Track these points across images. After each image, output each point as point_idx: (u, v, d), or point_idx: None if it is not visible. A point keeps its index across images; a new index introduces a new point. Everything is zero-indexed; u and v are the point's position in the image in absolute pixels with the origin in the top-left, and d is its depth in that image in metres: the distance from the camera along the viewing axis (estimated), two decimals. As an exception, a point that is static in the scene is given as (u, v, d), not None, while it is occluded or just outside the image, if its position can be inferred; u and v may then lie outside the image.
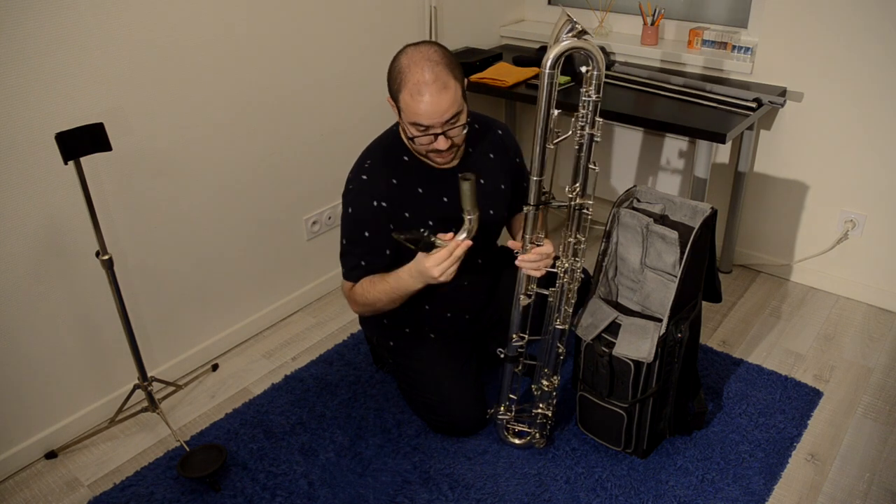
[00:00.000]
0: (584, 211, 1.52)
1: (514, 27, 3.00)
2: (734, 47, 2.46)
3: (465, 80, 1.59)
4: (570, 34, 1.34)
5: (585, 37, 1.34)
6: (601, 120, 1.46)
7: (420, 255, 1.53)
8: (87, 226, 1.76)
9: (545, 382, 1.74)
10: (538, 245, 1.55)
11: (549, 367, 1.72)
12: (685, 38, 2.66)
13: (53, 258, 1.80)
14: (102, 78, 1.76)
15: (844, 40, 2.23)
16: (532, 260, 1.54)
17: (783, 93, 2.37)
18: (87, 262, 1.87)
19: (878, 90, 2.22)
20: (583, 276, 1.64)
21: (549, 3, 3.01)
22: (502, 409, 1.81)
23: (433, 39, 1.59)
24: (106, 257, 1.74)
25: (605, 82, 2.52)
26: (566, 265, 1.56)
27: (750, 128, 2.42)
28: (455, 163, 1.67)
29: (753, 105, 2.21)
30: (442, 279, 1.51)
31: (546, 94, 1.40)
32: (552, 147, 1.45)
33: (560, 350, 1.69)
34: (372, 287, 1.68)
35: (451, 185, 1.62)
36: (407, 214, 1.70)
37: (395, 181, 1.67)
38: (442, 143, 1.56)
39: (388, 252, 1.70)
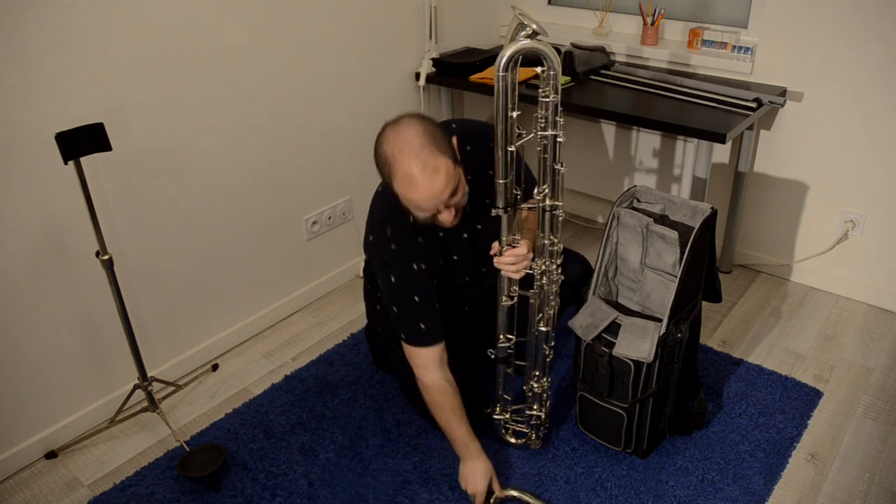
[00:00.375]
0: (556, 212, 1.51)
1: (514, 27, 2.99)
2: (734, 47, 2.46)
3: (453, 139, 1.53)
4: (523, 35, 1.33)
5: (539, 37, 1.33)
6: (562, 120, 1.44)
7: (476, 469, 1.68)
8: (87, 226, 1.76)
9: (535, 384, 1.74)
10: (514, 247, 1.54)
11: (537, 368, 1.72)
12: (685, 38, 2.66)
13: (53, 258, 1.80)
14: (102, 78, 1.76)
15: (844, 40, 2.23)
16: (508, 262, 1.53)
17: (783, 93, 2.37)
18: (87, 262, 1.87)
19: (878, 90, 2.22)
20: (581, 272, 1.65)
21: (549, 3, 3.01)
22: (498, 409, 1.81)
23: (413, 113, 1.51)
24: (106, 257, 1.74)
25: (605, 82, 2.52)
26: (542, 267, 1.56)
27: (750, 128, 2.42)
28: (459, 219, 1.60)
29: (753, 105, 2.21)
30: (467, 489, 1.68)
31: (503, 97, 1.38)
32: (513, 150, 1.43)
33: (547, 352, 1.69)
34: (440, 410, 1.71)
35: (464, 221, 1.65)
36: (441, 261, 1.72)
37: (420, 240, 1.66)
38: (446, 217, 1.52)
39: (437, 306, 1.70)
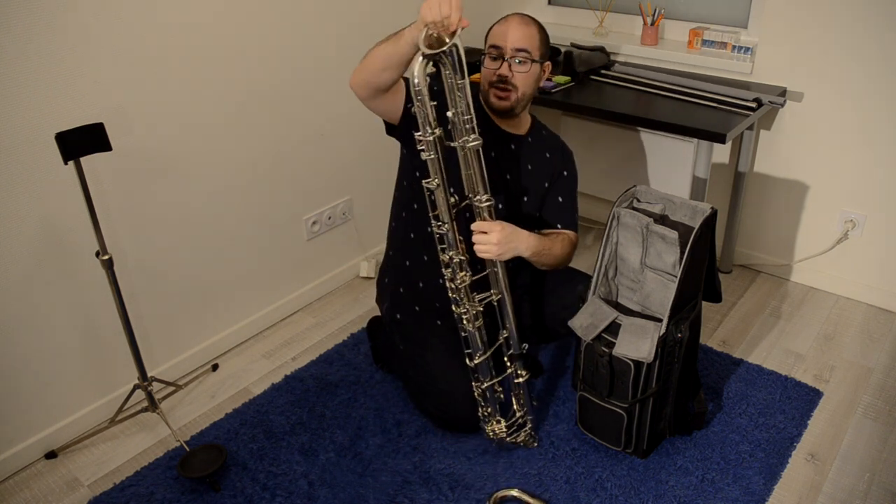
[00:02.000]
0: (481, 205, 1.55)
1: (514, 27, 3.00)
2: (734, 47, 2.46)
3: (546, 54, 1.76)
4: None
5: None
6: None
7: None
8: (87, 226, 1.76)
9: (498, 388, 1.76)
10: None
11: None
12: (685, 38, 2.66)
13: (53, 258, 1.80)
14: (102, 78, 1.76)
15: (845, 40, 2.23)
16: (478, 234, 1.53)
17: (783, 93, 2.37)
18: (87, 262, 1.87)
19: (878, 90, 2.22)
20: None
21: (550, 3, 3.01)
22: (493, 424, 1.81)
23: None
24: (106, 257, 1.74)
25: (604, 82, 2.53)
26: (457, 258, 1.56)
27: (750, 128, 2.42)
28: (506, 104, 1.74)
29: (753, 105, 2.21)
30: (430, 16, 1.43)
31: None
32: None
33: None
34: (373, 51, 1.56)
35: (503, 148, 1.81)
36: (411, 107, 1.68)
37: (435, 87, 1.57)
38: (504, 69, 1.70)
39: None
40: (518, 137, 1.84)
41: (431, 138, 1.42)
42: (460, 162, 1.49)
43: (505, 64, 1.71)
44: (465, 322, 1.62)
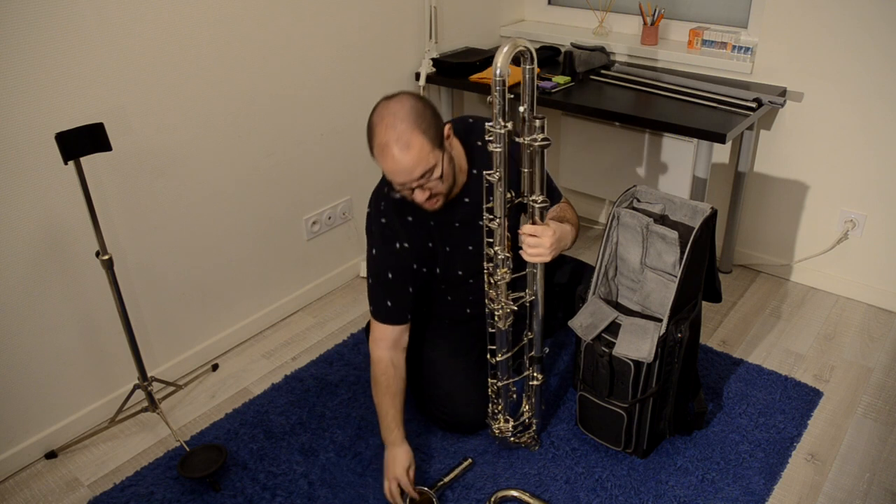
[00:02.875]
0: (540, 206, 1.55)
1: (514, 27, 3.00)
2: (734, 47, 2.46)
3: (445, 127, 1.56)
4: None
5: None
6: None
7: (395, 457, 1.68)
8: (87, 226, 1.76)
9: (512, 387, 1.77)
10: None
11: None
12: (685, 38, 2.66)
13: (53, 258, 1.80)
14: (102, 78, 1.76)
15: (844, 40, 2.23)
16: (530, 241, 1.53)
17: (783, 93, 2.37)
18: (87, 262, 1.87)
19: (878, 90, 2.22)
20: (570, 273, 1.69)
21: (549, 3, 3.01)
22: (501, 421, 1.81)
23: (405, 93, 1.55)
24: (106, 257, 1.74)
25: (605, 82, 2.53)
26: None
27: (750, 128, 2.42)
28: (439, 205, 1.62)
29: (753, 105, 2.21)
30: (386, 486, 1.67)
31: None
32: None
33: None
34: (377, 386, 1.75)
35: (458, 211, 1.70)
36: (430, 244, 1.75)
37: (410, 219, 1.71)
38: (419, 196, 1.56)
39: (410, 290, 1.75)
40: (465, 189, 1.71)
41: (502, 131, 1.42)
42: (523, 160, 1.49)
43: (417, 191, 1.56)
44: (496, 319, 1.62)
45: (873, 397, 2.05)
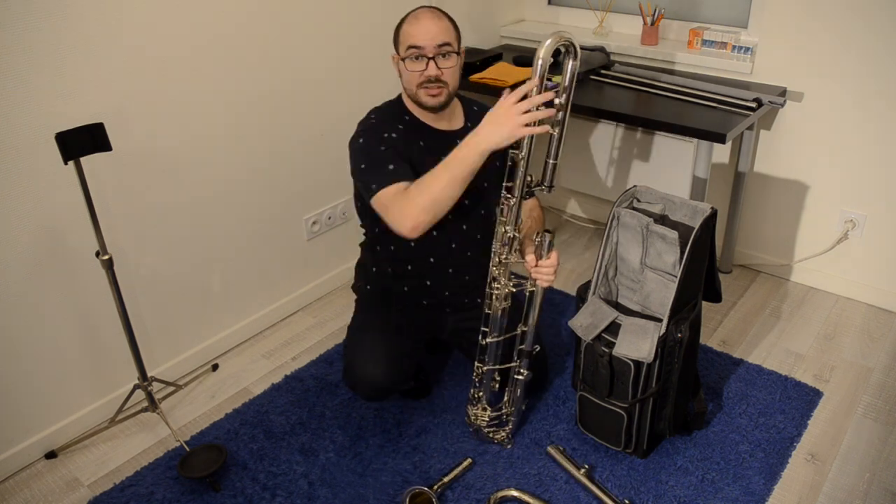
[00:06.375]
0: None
1: (514, 27, 3.00)
2: (734, 47, 2.46)
3: (461, 42, 1.70)
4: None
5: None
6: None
7: (483, 124, 1.48)
8: (87, 226, 1.76)
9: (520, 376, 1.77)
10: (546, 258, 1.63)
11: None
12: (685, 38, 2.66)
13: (53, 258, 1.80)
14: (102, 78, 1.76)
15: (845, 40, 2.23)
16: (546, 273, 1.62)
17: (783, 93, 2.37)
18: (87, 262, 1.87)
19: (878, 90, 2.22)
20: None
21: (549, 3, 3.01)
22: (479, 410, 1.82)
23: None
24: (106, 257, 1.74)
25: (605, 82, 2.53)
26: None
27: (750, 128, 2.42)
28: (441, 99, 1.67)
29: (753, 105, 2.21)
30: (520, 128, 1.44)
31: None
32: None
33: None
34: (419, 184, 1.56)
35: (449, 148, 1.58)
36: (411, 160, 1.68)
37: (400, 126, 1.73)
38: (432, 69, 1.63)
39: (407, 164, 1.65)
40: (459, 132, 1.76)
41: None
42: (550, 150, 1.51)
43: (431, 63, 1.63)
44: (493, 299, 1.64)
45: (873, 397, 2.05)
